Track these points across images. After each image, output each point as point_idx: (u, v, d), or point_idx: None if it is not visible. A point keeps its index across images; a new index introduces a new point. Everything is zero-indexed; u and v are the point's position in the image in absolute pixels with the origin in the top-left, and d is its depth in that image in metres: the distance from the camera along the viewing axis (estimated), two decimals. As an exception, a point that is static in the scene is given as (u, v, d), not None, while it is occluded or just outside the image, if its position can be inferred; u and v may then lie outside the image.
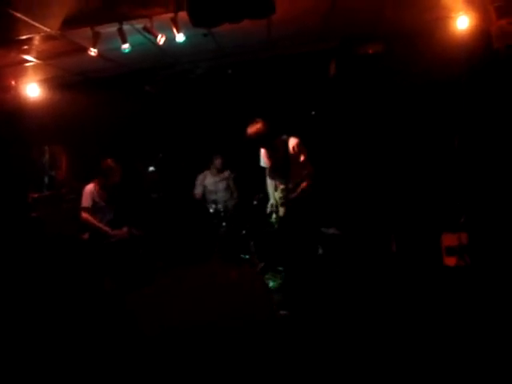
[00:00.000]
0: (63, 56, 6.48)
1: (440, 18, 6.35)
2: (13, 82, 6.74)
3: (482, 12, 6.08)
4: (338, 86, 7.65)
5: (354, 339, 4.69)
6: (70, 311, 5.24)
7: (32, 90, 7.40)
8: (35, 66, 6.80)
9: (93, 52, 5.71)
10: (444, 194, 6.86)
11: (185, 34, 5.57)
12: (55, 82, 7.75)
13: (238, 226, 7.71)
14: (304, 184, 5.91)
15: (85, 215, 6.52)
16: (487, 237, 6.25)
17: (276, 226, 6.27)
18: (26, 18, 5.06)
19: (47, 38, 5.72)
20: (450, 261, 6.36)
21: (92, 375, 3.88)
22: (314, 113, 6.04)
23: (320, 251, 6.69)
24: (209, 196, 8.25)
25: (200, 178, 8.39)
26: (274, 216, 6.25)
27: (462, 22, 6.23)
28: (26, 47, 5.97)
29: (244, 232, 7.70)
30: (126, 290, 5.76)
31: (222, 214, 7.68)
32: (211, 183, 8.29)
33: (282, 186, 6.05)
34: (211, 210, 7.67)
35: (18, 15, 4.95)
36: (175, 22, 5.38)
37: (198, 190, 8.32)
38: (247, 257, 7.49)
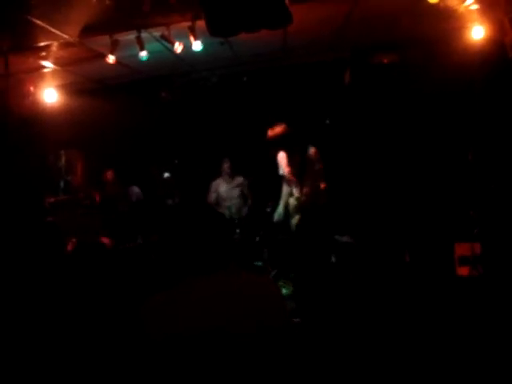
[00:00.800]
0: (81, 62, 6.56)
1: (455, 29, 6.37)
2: (31, 88, 6.81)
3: (497, 23, 6.08)
4: (353, 95, 7.67)
5: (366, 347, 4.70)
6: (80, 315, 5.27)
7: (49, 95, 7.47)
8: (53, 72, 6.87)
9: (111, 59, 5.78)
10: (457, 203, 6.84)
11: (202, 42, 5.61)
12: (73, 88, 7.82)
13: (251, 233, 7.72)
14: (319, 194, 5.93)
15: None
16: (500, 247, 6.23)
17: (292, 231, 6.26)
18: (45, 25, 5.12)
19: (66, 44, 5.79)
20: (463, 271, 6.34)
21: (98, 379, 3.92)
22: (328, 121, 6.05)
23: (333, 259, 6.69)
24: (222, 203, 8.25)
25: (213, 184, 8.35)
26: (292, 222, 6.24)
27: (477, 33, 6.24)
28: (44, 53, 6.03)
29: (257, 239, 7.72)
30: (138, 296, 5.80)
31: (236, 221, 7.69)
32: (224, 190, 8.26)
33: (297, 194, 6.06)
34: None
35: (38, 22, 5.01)
36: (192, 31, 5.42)
37: (211, 197, 8.36)
38: (260, 264, 7.51)
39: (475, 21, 6.14)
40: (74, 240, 6.27)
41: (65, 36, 5.48)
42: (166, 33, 5.47)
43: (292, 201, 6.18)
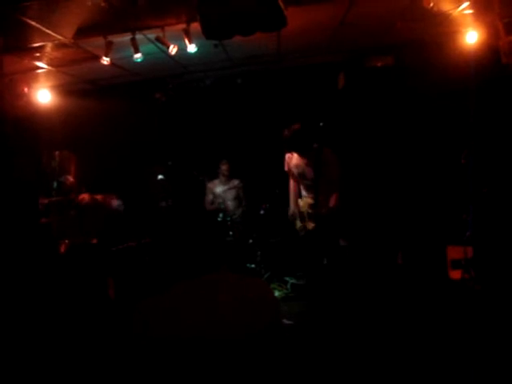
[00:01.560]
0: (75, 63, 6.54)
1: (449, 33, 6.39)
2: (25, 89, 6.79)
3: (491, 28, 6.11)
4: (347, 99, 7.68)
5: (359, 350, 4.71)
6: (75, 317, 5.27)
7: (43, 96, 7.45)
8: (47, 73, 6.85)
9: (105, 61, 5.77)
10: (450, 207, 6.86)
11: (196, 44, 5.62)
12: (67, 89, 7.82)
13: (244, 236, 7.73)
14: (333, 201, 5.90)
15: None
16: (492, 251, 6.25)
17: (302, 233, 6.23)
18: (40, 26, 5.10)
19: (60, 45, 5.77)
20: (455, 274, 6.36)
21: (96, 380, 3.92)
22: (322, 124, 6.03)
23: (324, 261, 6.71)
24: (217, 204, 8.26)
25: (209, 186, 8.37)
26: (299, 224, 6.21)
27: (471, 37, 6.26)
28: (38, 54, 6.02)
29: (251, 241, 7.72)
30: (131, 299, 5.80)
31: (229, 223, 7.70)
32: (220, 192, 8.28)
33: (310, 200, 6.00)
34: (218, 219, 7.69)
35: (32, 23, 4.99)
36: (187, 33, 5.42)
37: (208, 198, 8.35)
38: (253, 266, 7.52)
39: (469, 25, 6.17)
40: (66, 241, 6.27)
41: (59, 37, 5.47)
42: (160, 35, 5.47)
43: (302, 203, 6.11)
